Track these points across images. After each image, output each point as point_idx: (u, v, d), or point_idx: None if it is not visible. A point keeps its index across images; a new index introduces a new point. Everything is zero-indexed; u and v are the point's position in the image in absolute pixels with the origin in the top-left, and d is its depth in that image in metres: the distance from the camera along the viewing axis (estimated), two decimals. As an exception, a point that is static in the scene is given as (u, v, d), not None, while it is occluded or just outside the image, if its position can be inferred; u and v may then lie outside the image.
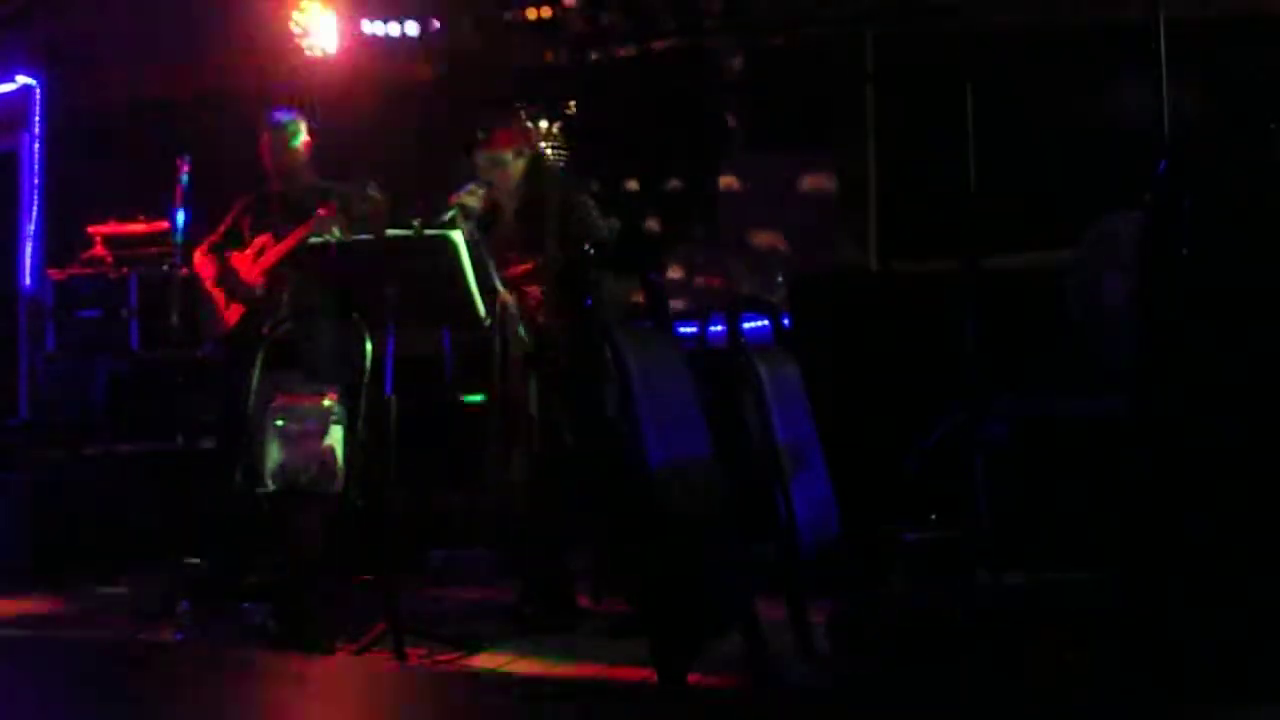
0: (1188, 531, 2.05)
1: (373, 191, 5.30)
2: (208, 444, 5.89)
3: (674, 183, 7.17)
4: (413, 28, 7.21)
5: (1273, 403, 2.05)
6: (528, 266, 4.88)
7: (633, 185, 7.15)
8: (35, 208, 8.09)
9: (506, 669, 4.23)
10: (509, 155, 4.98)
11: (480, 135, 5.01)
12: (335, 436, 4.52)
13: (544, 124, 6.86)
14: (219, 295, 5.59)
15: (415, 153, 7.38)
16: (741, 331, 3.32)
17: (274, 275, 5.49)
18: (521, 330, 4.79)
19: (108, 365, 6.49)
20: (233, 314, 5.55)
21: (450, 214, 4.78)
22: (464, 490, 5.77)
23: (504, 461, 4.88)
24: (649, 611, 2.95)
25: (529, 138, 5.17)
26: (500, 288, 4.76)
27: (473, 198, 4.84)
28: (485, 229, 4.87)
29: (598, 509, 4.88)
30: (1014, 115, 6.06)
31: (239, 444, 4.81)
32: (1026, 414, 4.88)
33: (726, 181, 7.12)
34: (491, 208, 4.96)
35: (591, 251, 4.66)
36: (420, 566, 5.76)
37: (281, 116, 5.63)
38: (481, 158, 5.00)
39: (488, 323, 4.74)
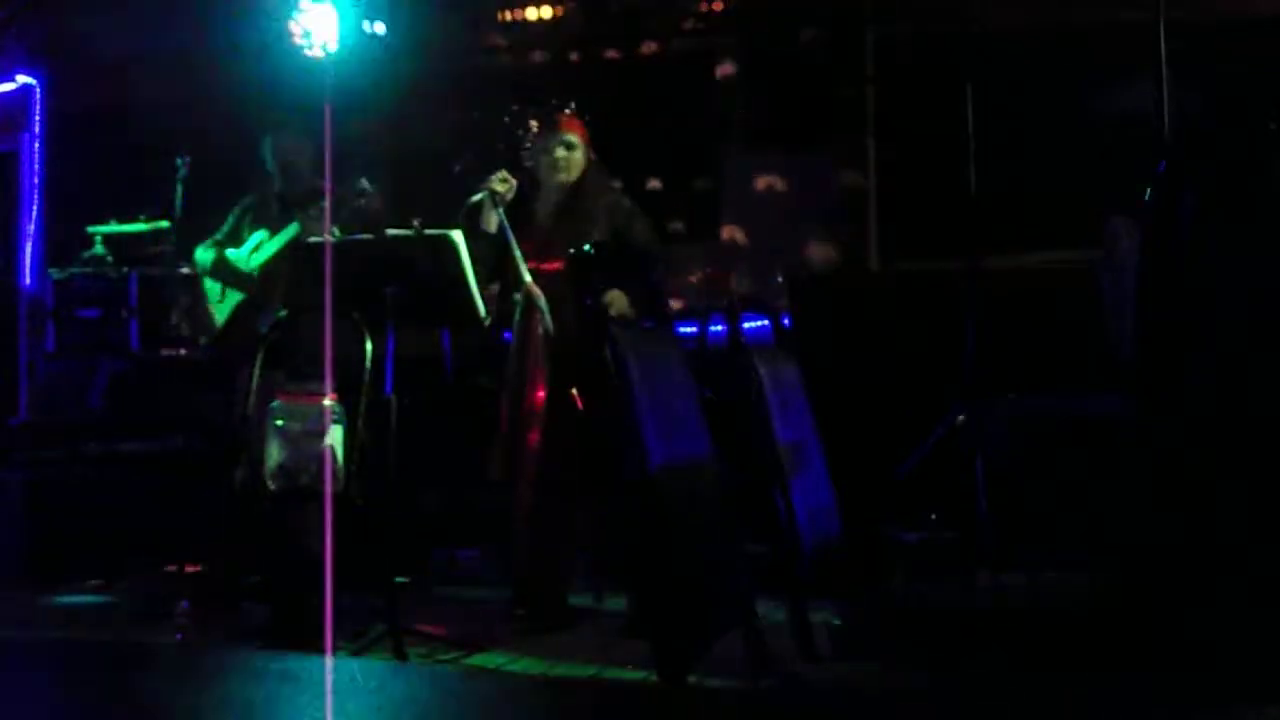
0: (1188, 531, 2.05)
1: (364, 188, 5.30)
2: (207, 444, 5.89)
3: (673, 183, 7.16)
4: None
5: (1273, 402, 2.05)
6: (558, 265, 4.77)
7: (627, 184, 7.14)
8: (35, 208, 8.09)
9: (506, 669, 4.23)
10: (580, 144, 4.89)
11: (539, 119, 4.88)
12: (335, 436, 4.51)
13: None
14: (213, 292, 5.60)
15: (416, 153, 7.38)
16: (741, 331, 3.32)
17: (268, 274, 5.50)
18: (547, 324, 4.72)
19: (108, 365, 6.49)
20: (225, 311, 5.57)
21: (479, 197, 4.73)
22: (464, 490, 5.77)
23: (508, 457, 4.81)
24: (649, 611, 2.95)
25: (587, 134, 5.08)
26: (527, 278, 4.68)
27: (504, 184, 4.76)
28: (510, 216, 4.77)
29: (600, 508, 4.87)
30: (1014, 115, 6.06)
31: (239, 444, 4.81)
32: (1026, 414, 4.88)
33: (726, 181, 7.12)
34: (519, 196, 4.87)
35: (592, 252, 4.64)
36: (420, 566, 5.76)
37: (284, 119, 5.64)
38: (551, 140, 4.87)
39: (487, 322, 4.73)
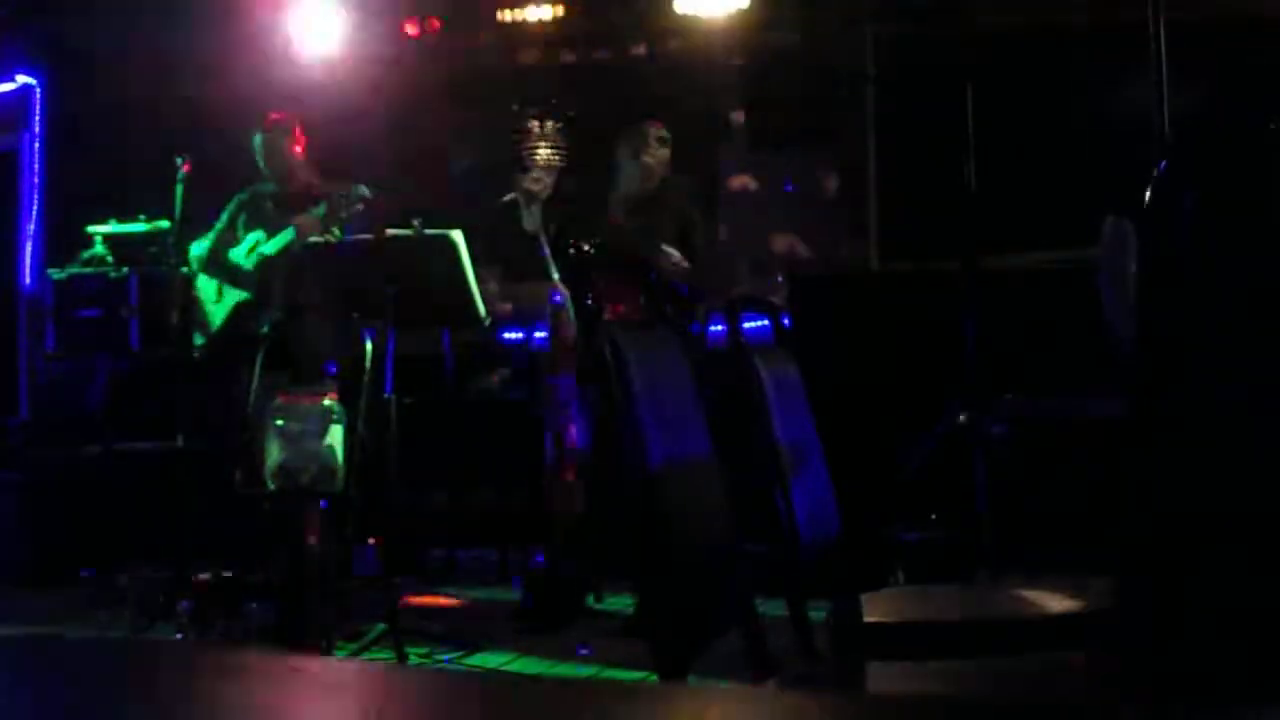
0: (1188, 531, 2.05)
1: (363, 193, 5.30)
2: (208, 444, 5.89)
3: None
4: (412, 28, 7.21)
5: (1274, 402, 2.05)
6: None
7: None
8: (35, 207, 8.09)
9: (506, 669, 4.23)
10: (668, 140, 4.99)
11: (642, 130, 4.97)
12: (335, 436, 4.51)
13: (541, 124, 6.83)
14: (207, 292, 5.60)
15: (414, 153, 7.38)
16: (741, 331, 3.31)
17: (264, 275, 5.50)
18: (572, 322, 4.69)
19: (108, 365, 6.49)
20: (222, 312, 5.57)
21: (511, 197, 4.75)
22: (464, 490, 5.77)
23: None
24: (649, 611, 2.95)
25: None
26: (555, 276, 4.67)
27: (537, 183, 4.77)
28: (545, 211, 4.78)
29: (601, 509, 4.87)
30: (1014, 115, 6.06)
31: (239, 444, 4.82)
32: (1026, 414, 4.88)
33: (726, 181, 7.12)
34: (558, 191, 4.92)
35: (591, 251, 4.64)
36: (420, 566, 5.76)
37: (277, 118, 5.65)
38: (648, 137, 4.97)
39: (488, 322, 4.72)
